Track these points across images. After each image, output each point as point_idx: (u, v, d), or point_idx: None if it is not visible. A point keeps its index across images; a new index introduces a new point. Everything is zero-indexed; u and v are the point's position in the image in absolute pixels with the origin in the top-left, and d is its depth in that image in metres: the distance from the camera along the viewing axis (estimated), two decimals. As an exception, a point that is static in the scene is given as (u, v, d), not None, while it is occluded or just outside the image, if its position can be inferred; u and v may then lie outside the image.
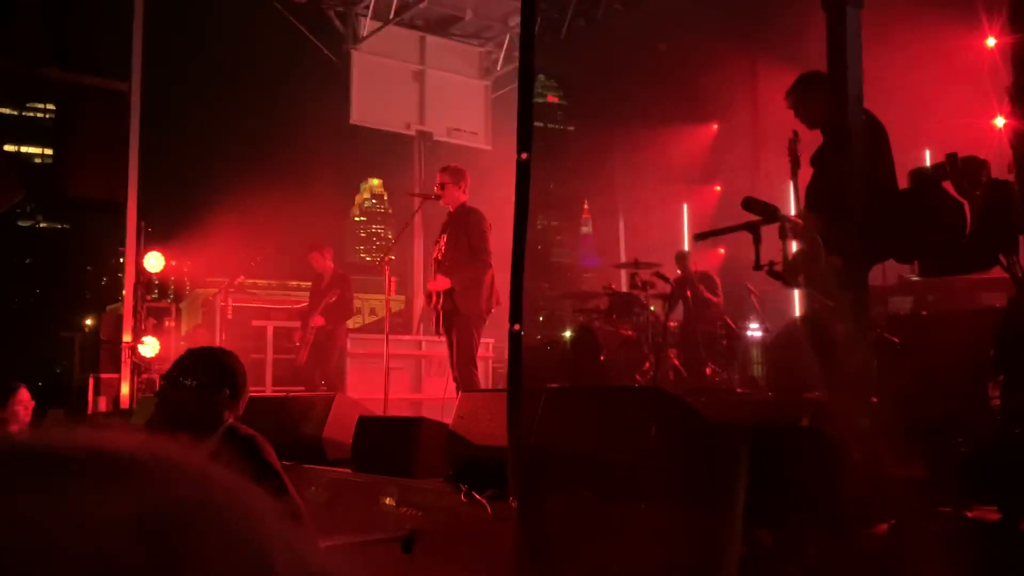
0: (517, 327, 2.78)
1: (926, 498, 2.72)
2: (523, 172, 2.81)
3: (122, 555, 0.37)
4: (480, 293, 6.19)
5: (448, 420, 4.42)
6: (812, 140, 4.56)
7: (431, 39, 12.14)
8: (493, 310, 6.41)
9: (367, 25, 11.45)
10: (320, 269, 8.94)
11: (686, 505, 2.79)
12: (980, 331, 4.03)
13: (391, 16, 11.46)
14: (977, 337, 3.91)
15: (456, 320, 6.23)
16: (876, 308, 4.77)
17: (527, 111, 2.85)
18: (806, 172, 4.57)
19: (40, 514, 0.37)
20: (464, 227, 6.32)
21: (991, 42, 7.76)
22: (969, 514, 2.63)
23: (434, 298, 6.34)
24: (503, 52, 12.51)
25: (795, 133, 4.49)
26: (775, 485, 2.69)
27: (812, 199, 4.42)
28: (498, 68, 12.65)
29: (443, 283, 6.26)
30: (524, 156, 2.82)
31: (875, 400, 3.16)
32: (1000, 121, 7.73)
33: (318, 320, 8.51)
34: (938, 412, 3.49)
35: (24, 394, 5.55)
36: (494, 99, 12.70)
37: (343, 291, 8.60)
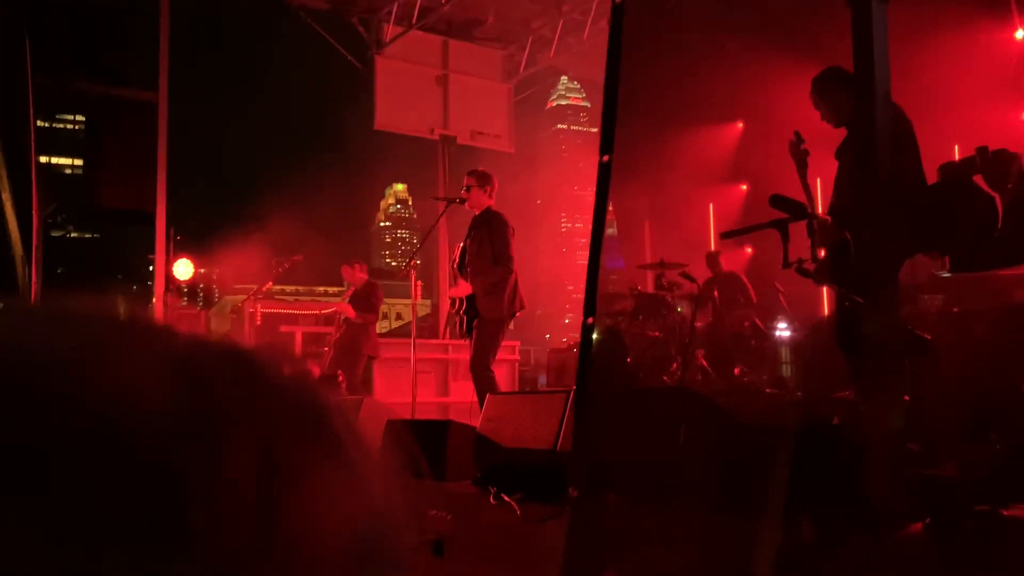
0: (591, 320, 2.84)
1: (961, 497, 2.69)
2: (604, 174, 2.87)
3: (149, 385, 0.36)
4: (502, 297, 6.19)
5: (475, 423, 4.43)
6: (832, 136, 4.52)
7: (454, 43, 12.18)
8: (518, 313, 6.40)
9: (390, 31, 11.51)
10: (352, 280, 9.06)
11: (718, 506, 2.77)
12: (1013, 328, 3.97)
13: (414, 21, 11.51)
14: (1010, 334, 3.86)
15: (477, 323, 6.24)
16: (907, 305, 4.72)
17: (611, 115, 2.88)
18: (825, 168, 4.53)
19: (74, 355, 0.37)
20: (488, 231, 6.33)
21: (1020, 34, 7.66)
22: (1005, 512, 2.59)
23: (457, 303, 6.35)
24: (525, 55, 12.52)
25: (797, 134, 4.45)
26: (807, 486, 2.67)
27: (838, 194, 4.38)
28: (521, 71, 12.66)
29: (464, 289, 6.27)
30: (605, 159, 2.87)
31: (907, 399, 3.13)
32: (1031, 114, 7.64)
33: (346, 308, 8.58)
34: (971, 410, 3.45)
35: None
36: (517, 102, 12.71)
37: (369, 292, 8.74)
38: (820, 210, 4.44)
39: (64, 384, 0.36)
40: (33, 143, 4.59)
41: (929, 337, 3.94)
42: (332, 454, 0.40)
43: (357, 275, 9.01)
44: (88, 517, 0.33)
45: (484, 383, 6.02)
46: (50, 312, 0.42)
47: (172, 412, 0.36)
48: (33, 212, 4.37)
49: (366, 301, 8.67)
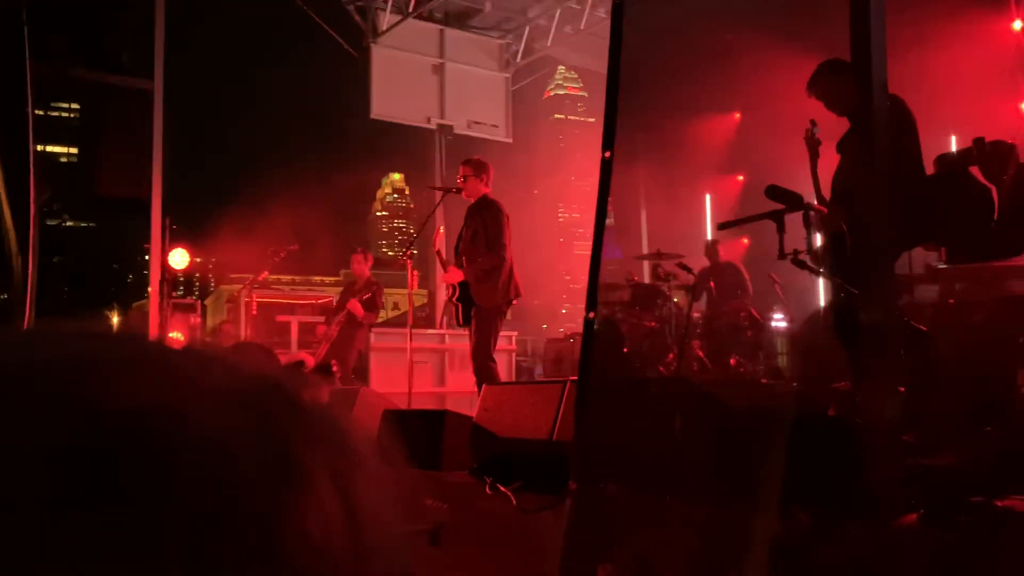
0: (592, 315, 2.85)
1: (956, 487, 2.70)
2: (606, 169, 2.88)
3: (235, 428, 0.37)
4: (496, 285, 6.19)
5: (472, 413, 4.43)
6: (832, 129, 4.51)
7: (450, 32, 12.14)
8: (514, 302, 6.40)
9: (386, 19, 11.47)
10: (357, 273, 9.06)
11: (715, 496, 2.78)
12: (1009, 319, 3.98)
13: (410, 10, 11.47)
14: (1006, 325, 3.87)
15: (474, 312, 6.25)
16: (903, 296, 4.72)
17: (613, 112, 2.89)
18: (825, 161, 4.52)
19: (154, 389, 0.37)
20: (482, 219, 6.33)
21: (1018, 25, 7.65)
22: (1000, 503, 2.60)
23: (450, 290, 6.37)
24: (522, 44, 12.48)
25: (813, 123, 4.45)
26: (803, 476, 2.68)
27: (839, 186, 4.38)
28: (518, 60, 12.62)
29: (455, 275, 6.28)
30: (607, 154, 2.88)
31: (903, 389, 3.13)
32: (1028, 105, 7.63)
33: (357, 307, 8.58)
34: (967, 401, 3.45)
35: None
36: (514, 91, 12.68)
37: (375, 293, 8.75)
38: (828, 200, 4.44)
39: (167, 428, 0.36)
40: (31, 133, 4.56)
41: (925, 328, 3.94)
42: (366, 471, 0.42)
43: (365, 268, 9.04)
44: (194, 554, 0.34)
45: (486, 373, 6.04)
46: (123, 356, 0.41)
47: (254, 439, 0.37)
48: (31, 204, 4.35)
49: (372, 302, 8.71)
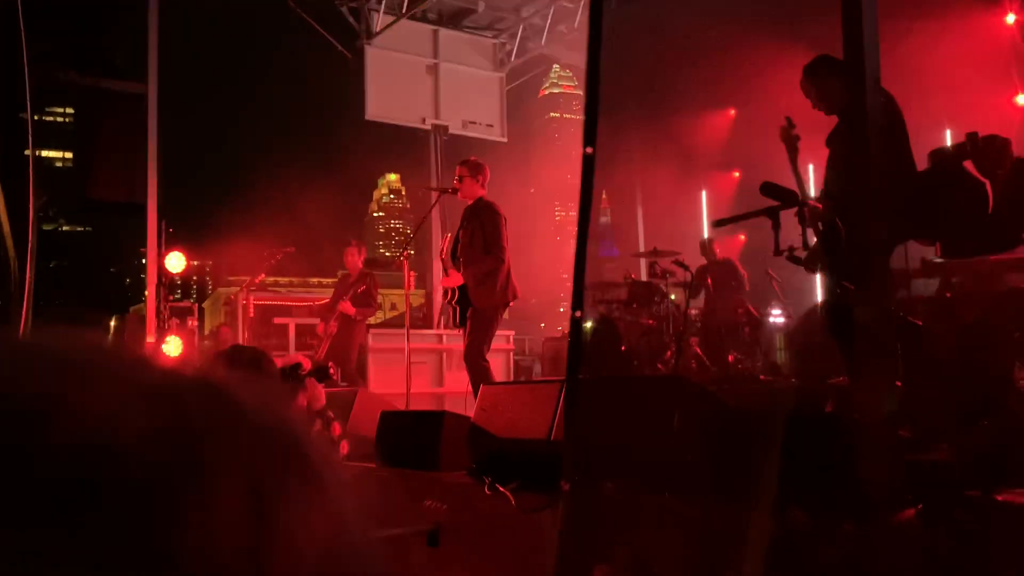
0: (578, 313, 2.84)
1: (954, 482, 2.70)
2: (588, 166, 2.87)
3: (131, 424, 0.37)
4: (495, 287, 6.19)
5: (470, 414, 4.43)
6: (816, 122, 4.52)
7: (444, 32, 12.13)
8: (512, 303, 6.40)
9: (380, 20, 11.45)
10: (350, 266, 9.04)
11: (713, 493, 2.78)
12: (1006, 312, 3.98)
13: (404, 10, 11.46)
14: (1002, 318, 3.87)
15: (470, 313, 6.24)
16: (899, 291, 4.73)
17: (594, 106, 2.88)
18: (806, 157, 4.53)
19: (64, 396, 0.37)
20: (479, 221, 6.33)
21: (1011, 19, 7.66)
22: (998, 498, 2.60)
23: (449, 294, 6.36)
24: (516, 43, 12.47)
25: (788, 120, 4.45)
26: (800, 472, 2.68)
27: (830, 181, 4.38)
28: (512, 59, 12.62)
29: (455, 279, 6.28)
30: (589, 150, 2.86)
31: (900, 384, 3.14)
32: (1023, 98, 7.64)
33: (348, 307, 8.57)
34: (964, 395, 3.46)
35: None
36: (509, 91, 12.67)
37: (369, 285, 8.71)
38: (813, 195, 4.44)
39: (46, 416, 0.36)
40: (32, 138, 4.55)
41: (921, 323, 3.95)
42: (310, 483, 0.41)
43: (358, 260, 9.01)
44: (75, 544, 0.34)
45: (479, 373, 6.03)
46: (29, 347, 0.42)
47: (154, 437, 0.37)
48: (30, 210, 4.33)
49: (365, 297, 8.66)
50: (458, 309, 6.31)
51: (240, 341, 9.19)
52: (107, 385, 0.38)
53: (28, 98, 4.51)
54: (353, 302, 8.61)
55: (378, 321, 9.68)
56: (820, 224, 4.08)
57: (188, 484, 0.36)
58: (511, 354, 9.82)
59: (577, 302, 2.60)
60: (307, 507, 0.40)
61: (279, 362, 3.29)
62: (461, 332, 6.43)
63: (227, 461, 0.38)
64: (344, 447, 3.88)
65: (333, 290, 9.26)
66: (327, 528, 0.41)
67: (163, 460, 0.36)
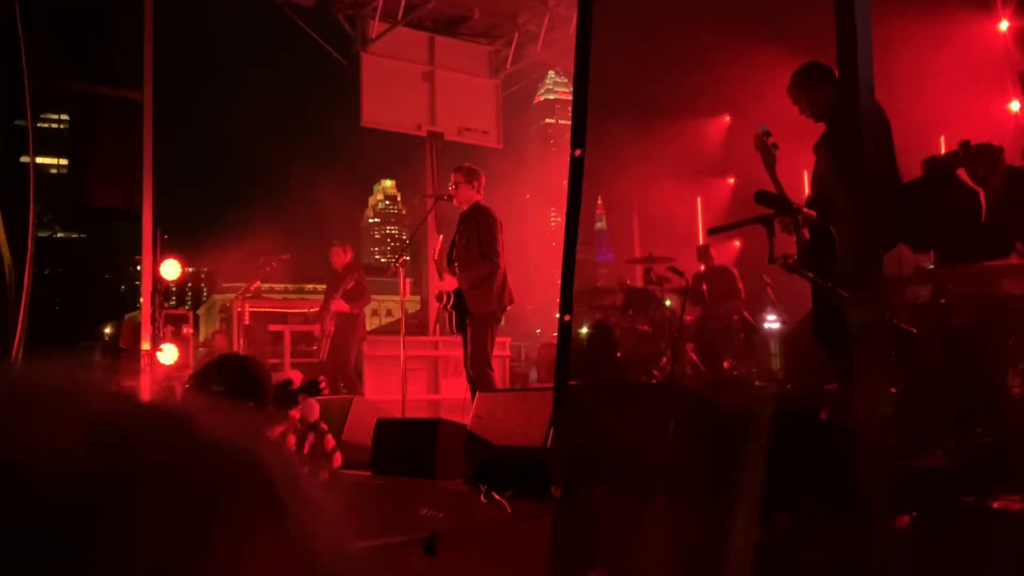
0: (568, 318, 2.83)
1: (948, 489, 2.71)
2: (576, 168, 2.85)
3: (63, 449, 0.37)
4: (490, 292, 6.19)
5: (466, 421, 4.43)
6: (800, 128, 4.54)
7: (440, 39, 12.15)
8: (508, 308, 6.41)
9: (375, 27, 11.47)
10: (336, 264, 9.08)
11: (707, 499, 2.79)
12: (999, 319, 4.00)
13: (399, 17, 11.48)
14: (995, 325, 3.88)
15: (469, 320, 6.24)
16: (893, 297, 4.74)
17: (582, 110, 2.88)
18: (799, 164, 4.55)
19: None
20: (475, 226, 6.34)
21: (1004, 26, 7.69)
22: (993, 504, 2.61)
23: (444, 298, 6.36)
24: (512, 50, 12.50)
25: (762, 128, 4.47)
26: (795, 477, 2.69)
27: (817, 188, 4.40)
28: (507, 66, 12.64)
29: (450, 283, 6.28)
30: (578, 153, 2.85)
31: (894, 391, 3.15)
32: (1015, 105, 7.67)
33: (341, 305, 8.60)
34: (958, 402, 3.47)
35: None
36: (504, 97, 12.70)
37: (358, 278, 8.76)
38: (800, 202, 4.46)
39: None
40: (32, 145, 4.54)
41: (915, 330, 3.96)
42: (267, 510, 0.41)
43: (344, 258, 9.07)
44: None
45: (483, 381, 6.03)
46: None
47: (85, 474, 0.37)
48: (30, 217, 4.32)
49: (356, 290, 8.72)
50: (454, 314, 6.32)
51: (235, 348, 9.18)
52: (41, 418, 0.38)
53: (27, 105, 4.51)
54: (345, 299, 8.65)
55: (373, 328, 9.69)
56: (808, 232, 4.09)
57: (117, 513, 0.36)
58: (507, 361, 9.82)
59: (566, 306, 2.59)
60: (263, 532, 0.39)
61: (272, 378, 3.28)
62: (460, 338, 6.43)
63: (165, 489, 0.38)
64: (338, 459, 3.88)
65: (325, 290, 9.30)
66: (291, 553, 0.40)
67: (93, 491, 0.36)
